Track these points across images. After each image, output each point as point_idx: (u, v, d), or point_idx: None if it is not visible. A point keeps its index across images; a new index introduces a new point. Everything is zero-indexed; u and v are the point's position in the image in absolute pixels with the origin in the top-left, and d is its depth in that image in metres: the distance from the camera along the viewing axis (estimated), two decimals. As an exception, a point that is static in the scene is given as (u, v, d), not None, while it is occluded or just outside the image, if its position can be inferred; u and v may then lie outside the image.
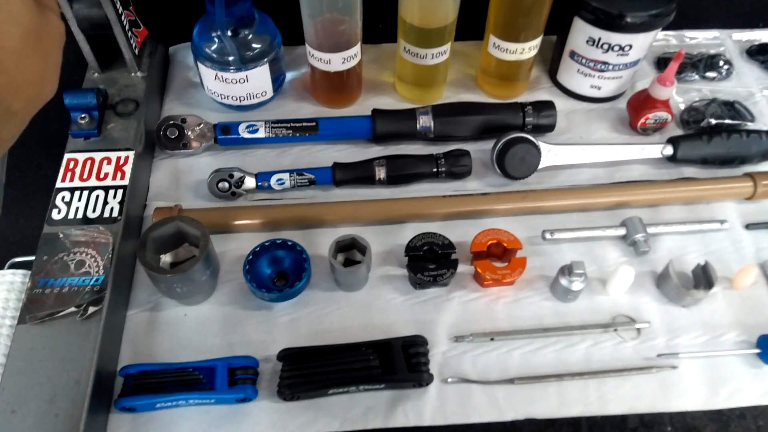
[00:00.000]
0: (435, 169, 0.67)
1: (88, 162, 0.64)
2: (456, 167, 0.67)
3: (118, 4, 0.65)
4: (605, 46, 0.69)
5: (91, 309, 0.54)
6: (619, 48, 0.68)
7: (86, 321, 0.54)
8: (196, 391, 0.52)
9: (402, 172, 0.67)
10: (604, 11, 0.66)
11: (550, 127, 0.71)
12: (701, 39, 0.83)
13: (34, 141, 0.85)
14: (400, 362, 0.53)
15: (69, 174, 0.63)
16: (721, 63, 0.79)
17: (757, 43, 0.82)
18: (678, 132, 0.73)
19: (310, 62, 0.71)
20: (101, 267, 0.57)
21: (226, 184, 0.65)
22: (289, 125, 0.69)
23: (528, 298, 0.60)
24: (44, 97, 0.38)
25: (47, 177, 0.66)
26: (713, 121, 0.72)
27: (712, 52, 0.81)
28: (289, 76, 0.78)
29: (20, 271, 0.64)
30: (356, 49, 0.69)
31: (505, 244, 0.60)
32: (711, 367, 0.56)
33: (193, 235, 0.57)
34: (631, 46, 0.68)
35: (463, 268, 0.61)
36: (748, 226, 0.65)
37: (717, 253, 0.63)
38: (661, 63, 0.80)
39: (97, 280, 0.56)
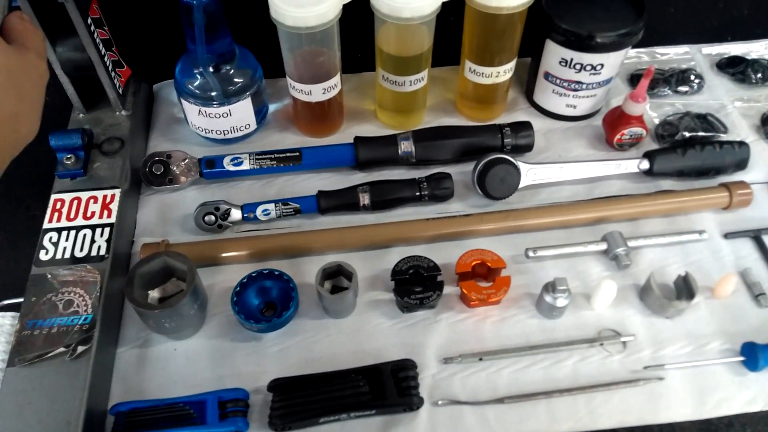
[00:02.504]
0: (418, 193, 0.68)
1: (75, 201, 0.65)
2: (438, 190, 0.68)
3: (101, 46, 0.67)
4: (577, 66, 0.70)
5: (80, 348, 0.54)
6: (591, 67, 0.70)
7: (76, 360, 0.54)
8: (187, 427, 0.52)
9: (386, 197, 0.68)
10: (574, 33, 0.68)
11: (528, 147, 0.73)
12: (672, 54, 0.86)
13: (22, 182, 0.86)
14: (390, 387, 0.54)
15: (56, 214, 0.64)
16: (692, 77, 0.81)
17: (726, 56, 0.84)
18: (654, 146, 0.75)
19: (292, 94, 0.72)
20: (90, 306, 0.57)
21: (213, 217, 0.66)
22: (273, 156, 0.71)
23: (514, 317, 0.61)
24: (21, 137, 0.38)
25: (35, 218, 0.66)
26: (687, 134, 0.74)
27: (683, 66, 0.83)
28: (272, 107, 0.79)
29: (9, 314, 0.64)
30: (336, 79, 0.71)
31: (489, 264, 0.61)
32: (697, 377, 0.56)
33: (180, 270, 0.57)
34: (602, 65, 0.70)
35: (449, 289, 0.62)
36: (726, 236, 0.66)
37: (697, 264, 0.64)
38: (634, 79, 0.82)
39: (85, 319, 0.56)
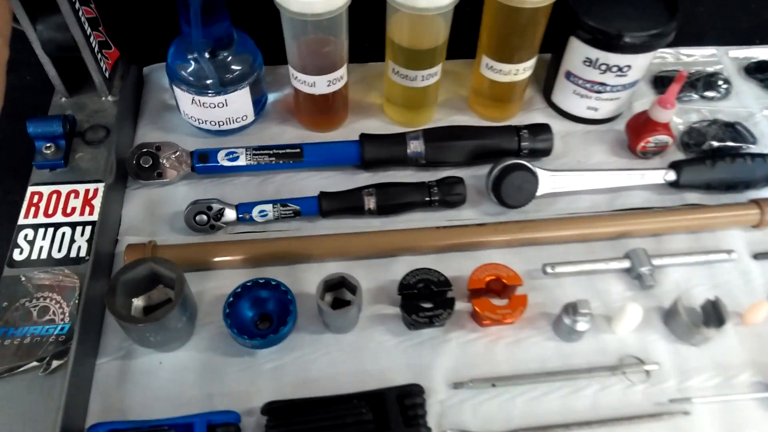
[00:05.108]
0: (428, 198, 0.63)
1: (54, 195, 0.59)
2: (450, 196, 0.63)
3: (86, 26, 0.61)
4: (603, 67, 0.65)
5: (55, 363, 0.49)
6: (617, 69, 0.65)
7: (50, 376, 0.49)
8: (173, 453, 0.47)
9: (393, 201, 0.63)
10: (601, 31, 0.63)
11: (546, 152, 0.68)
12: (698, 56, 0.81)
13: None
14: (395, 415, 0.49)
15: (33, 209, 0.59)
16: (720, 82, 0.76)
17: (754, 60, 0.80)
18: (678, 155, 0.70)
19: (294, 84, 0.67)
20: (67, 314, 0.52)
21: (205, 217, 0.61)
22: (271, 152, 0.65)
23: (530, 338, 0.56)
24: None
25: (15, 204, 0.60)
26: (715, 144, 0.69)
27: (710, 70, 0.79)
28: (272, 97, 0.74)
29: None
30: (342, 71, 0.65)
31: (504, 281, 0.56)
32: (726, 412, 0.52)
33: (168, 277, 0.52)
34: (629, 67, 0.65)
35: (459, 305, 0.57)
36: (756, 256, 0.62)
37: (725, 286, 0.60)
38: (659, 82, 0.77)
39: (62, 329, 0.51)
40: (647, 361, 0.55)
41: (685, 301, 0.57)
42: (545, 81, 0.75)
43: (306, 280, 0.59)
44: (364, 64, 0.77)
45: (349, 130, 0.72)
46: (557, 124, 0.71)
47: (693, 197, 0.67)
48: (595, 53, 0.65)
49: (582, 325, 0.54)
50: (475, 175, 0.67)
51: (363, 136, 0.67)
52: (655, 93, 0.76)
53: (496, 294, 0.58)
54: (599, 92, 0.68)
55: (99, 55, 0.64)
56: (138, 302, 0.54)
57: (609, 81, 0.67)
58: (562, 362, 0.55)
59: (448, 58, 0.67)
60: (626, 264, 0.60)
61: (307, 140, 0.70)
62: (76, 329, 0.51)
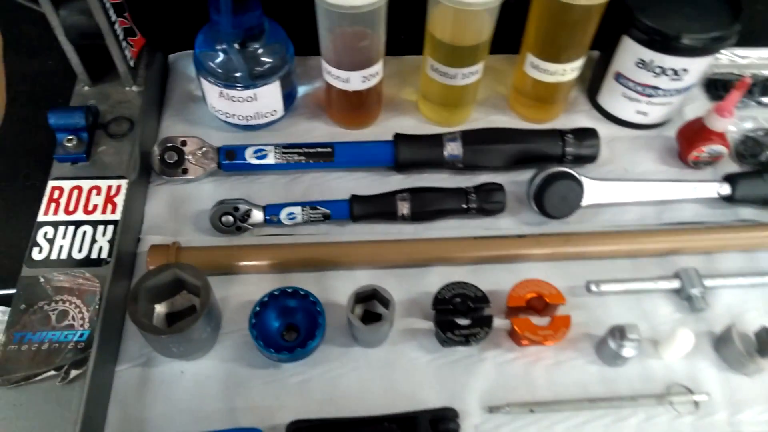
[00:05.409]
0: (465, 205, 0.60)
1: (75, 191, 0.57)
2: (488, 203, 0.60)
3: (111, 12, 0.58)
4: (657, 70, 0.61)
5: (74, 372, 0.47)
6: (672, 72, 0.61)
7: (68, 386, 0.47)
8: (194, 474, 0.45)
9: (428, 208, 0.60)
10: (659, 31, 0.59)
11: (592, 158, 0.64)
12: (754, 58, 0.76)
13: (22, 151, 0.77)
14: (428, 442, 0.47)
15: (53, 205, 0.56)
16: (779, 87, 0.71)
17: (815, 64, 0.75)
18: (731, 165, 0.66)
19: (326, 79, 0.63)
20: (87, 320, 0.50)
21: (231, 218, 0.58)
22: (301, 151, 0.62)
23: (571, 361, 0.53)
24: None
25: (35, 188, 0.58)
26: (773, 155, 0.65)
27: (766, 73, 0.74)
28: (301, 90, 0.70)
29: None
30: (378, 66, 0.62)
31: (546, 299, 0.53)
32: (781, 451, 0.49)
33: (193, 285, 0.50)
34: (686, 71, 0.61)
35: (496, 321, 0.54)
36: (816, 280, 0.58)
37: (782, 312, 0.56)
38: (712, 85, 0.72)
39: (81, 335, 0.49)
40: (696, 391, 0.52)
41: (739, 326, 0.53)
42: (590, 81, 0.71)
43: (334, 288, 0.56)
44: (399, 57, 0.73)
45: (381, 128, 0.68)
46: (602, 128, 0.67)
47: (748, 213, 0.62)
48: (649, 54, 0.60)
49: (629, 351, 0.50)
50: (514, 181, 0.64)
51: (397, 136, 0.63)
52: (708, 97, 0.72)
53: (537, 312, 0.55)
54: (651, 96, 0.64)
55: (124, 43, 0.61)
56: (160, 309, 0.51)
57: (662, 85, 0.62)
58: (605, 388, 0.52)
59: (489, 54, 0.63)
60: (676, 284, 0.56)
61: (337, 137, 0.67)
62: (95, 337, 0.48)
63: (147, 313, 0.49)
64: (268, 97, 0.63)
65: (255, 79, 0.61)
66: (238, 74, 0.60)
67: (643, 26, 0.59)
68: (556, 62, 0.62)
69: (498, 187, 0.60)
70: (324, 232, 0.60)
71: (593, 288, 0.56)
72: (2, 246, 0.85)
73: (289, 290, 0.52)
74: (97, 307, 0.50)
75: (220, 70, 0.60)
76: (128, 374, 0.51)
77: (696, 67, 0.61)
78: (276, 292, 0.52)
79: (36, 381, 0.47)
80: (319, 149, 0.62)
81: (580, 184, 0.59)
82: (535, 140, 0.63)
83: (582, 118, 0.70)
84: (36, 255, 0.53)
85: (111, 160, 0.59)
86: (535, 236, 0.58)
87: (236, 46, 0.59)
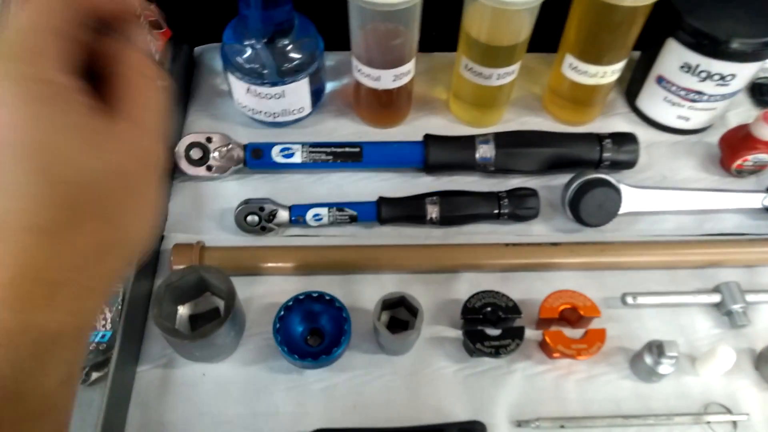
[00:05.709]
0: (496, 211, 0.58)
1: (99, 187, 0.56)
2: (521, 209, 0.58)
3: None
4: (703, 74, 0.58)
5: (95, 375, 0.46)
6: (719, 77, 0.58)
7: (89, 388, 0.46)
8: (215, 482, 0.44)
9: (458, 212, 0.58)
10: (707, 35, 0.56)
11: (630, 164, 0.61)
12: (801, 62, 0.72)
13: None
14: (455, 457, 0.45)
15: (77, 200, 0.55)
16: (827, 93, 0.68)
17: None
18: (776, 175, 0.63)
19: (356, 77, 0.62)
20: (108, 321, 0.49)
21: (256, 218, 0.57)
22: (329, 150, 0.61)
23: (604, 375, 0.51)
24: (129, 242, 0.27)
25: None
26: (821, 165, 0.62)
27: (814, 78, 0.70)
28: (329, 86, 0.69)
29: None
30: (410, 65, 0.60)
31: (581, 311, 0.51)
32: (825, 479, 0.47)
33: (218, 288, 0.49)
34: (734, 76, 0.58)
35: (527, 332, 0.52)
36: None
37: (828, 331, 0.54)
38: (756, 90, 0.69)
39: (103, 336, 0.48)
40: (735, 411, 0.49)
41: (782, 346, 0.51)
42: (629, 83, 0.68)
43: (360, 292, 0.55)
44: (430, 54, 0.71)
45: (411, 127, 0.67)
46: (641, 132, 0.64)
47: (792, 226, 0.60)
48: (696, 58, 0.58)
49: (666, 368, 0.48)
50: (547, 186, 0.62)
51: (428, 137, 0.61)
52: (753, 102, 0.69)
53: (570, 324, 0.53)
54: (694, 101, 0.61)
55: (149, 37, 0.60)
56: (183, 310, 0.50)
57: (708, 90, 0.60)
58: (639, 405, 0.50)
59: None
60: (716, 298, 0.54)
61: (365, 136, 0.65)
62: (117, 339, 0.47)
63: (170, 315, 0.48)
64: (296, 94, 0.61)
65: (283, 75, 0.59)
66: (266, 71, 0.58)
67: (691, 29, 0.57)
68: (597, 64, 0.60)
69: (532, 193, 0.58)
70: (350, 234, 0.59)
71: (629, 300, 0.53)
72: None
73: (314, 294, 0.51)
74: (119, 307, 0.49)
75: (247, 66, 0.59)
76: (149, 375, 0.51)
77: (744, 73, 0.58)
78: (301, 297, 0.51)
79: (57, 381, 0.46)
80: (347, 149, 0.61)
81: (618, 191, 0.57)
82: (572, 144, 0.61)
83: (619, 121, 0.67)
84: (59, 251, 0.52)
85: (136, 156, 0.58)
86: (569, 244, 0.56)
87: (265, 41, 0.57)
